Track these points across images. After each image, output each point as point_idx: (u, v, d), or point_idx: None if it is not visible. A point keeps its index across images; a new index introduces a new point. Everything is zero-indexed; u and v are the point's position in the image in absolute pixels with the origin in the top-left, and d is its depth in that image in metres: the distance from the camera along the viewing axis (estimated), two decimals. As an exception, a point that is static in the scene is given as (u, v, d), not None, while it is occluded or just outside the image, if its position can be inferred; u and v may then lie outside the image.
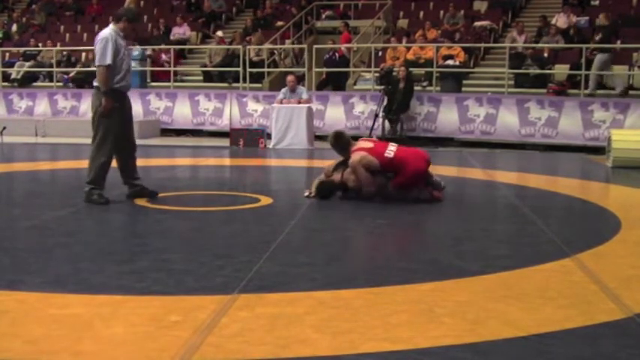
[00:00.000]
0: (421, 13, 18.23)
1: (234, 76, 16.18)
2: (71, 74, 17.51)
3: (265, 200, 7.02)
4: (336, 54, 15.87)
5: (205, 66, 16.91)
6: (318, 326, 3.32)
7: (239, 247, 5.03)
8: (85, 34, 19.19)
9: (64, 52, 18.10)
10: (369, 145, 7.01)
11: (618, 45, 14.38)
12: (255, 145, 12.61)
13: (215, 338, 3.15)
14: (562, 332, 3.29)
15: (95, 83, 6.65)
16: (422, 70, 14.81)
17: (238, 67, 15.95)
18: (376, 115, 12.87)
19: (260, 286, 3.96)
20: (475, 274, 4.29)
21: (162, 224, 5.96)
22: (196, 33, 18.76)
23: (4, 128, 13.61)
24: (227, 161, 11.54)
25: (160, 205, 6.66)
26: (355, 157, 6.84)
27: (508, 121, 13.13)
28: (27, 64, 18.03)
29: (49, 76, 17.63)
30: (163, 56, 17.32)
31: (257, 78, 16.17)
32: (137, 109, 15.04)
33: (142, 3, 21.00)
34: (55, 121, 15.48)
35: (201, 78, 17.02)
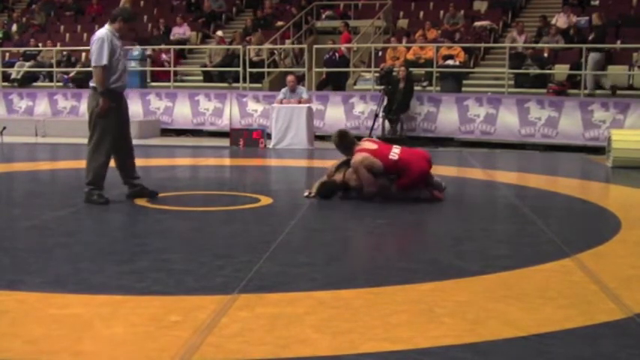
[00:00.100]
0: (421, 13, 18.23)
1: (234, 76, 16.17)
2: (71, 74, 17.51)
3: (265, 200, 7.02)
4: (336, 54, 15.86)
5: (205, 66, 16.91)
6: (318, 326, 3.32)
7: (239, 247, 5.03)
8: (85, 34, 19.15)
9: (64, 52, 18.11)
10: (374, 146, 6.96)
11: (618, 45, 14.39)
12: (255, 144, 12.62)
13: (215, 338, 3.15)
14: (562, 332, 3.29)
15: (92, 84, 6.65)
16: (422, 70, 14.81)
17: (238, 67, 15.95)
18: (376, 115, 12.87)
19: (260, 286, 3.96)
20: (475, 274, 4.29)
21: (162, 224, 5.96)
22: (196, 33, 18.76)
23: (4, 128, 13.61)
24: (227, 161, 11.54)
25: (160, 205, 6.66)
26: (357, 157, 6.83)
27: (508, 121, 13.13)
28: (27, 64, 18.04)
29: (49, 76, 17.63)
30: (163, 56, 17.32)
31: (257, 78, 16.17)
32: (137, 109, 15.12)
33: (141, 3, 21.02)
34: (55, 121, 15.49)
35: (201, 78, 17.02)
